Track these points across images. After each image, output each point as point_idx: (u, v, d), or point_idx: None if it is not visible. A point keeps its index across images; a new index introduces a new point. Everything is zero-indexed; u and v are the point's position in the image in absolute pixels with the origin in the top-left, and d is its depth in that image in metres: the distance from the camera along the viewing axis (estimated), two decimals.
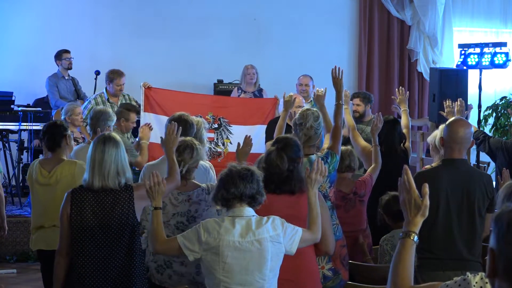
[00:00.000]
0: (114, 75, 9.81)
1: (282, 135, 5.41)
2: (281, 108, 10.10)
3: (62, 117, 8.31)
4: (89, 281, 4.84)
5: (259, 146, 9.65)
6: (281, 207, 4.87)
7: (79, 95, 11.06)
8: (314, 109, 6.32)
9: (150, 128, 8.42)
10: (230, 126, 9.78)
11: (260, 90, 11.09)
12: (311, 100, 10.25)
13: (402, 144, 7.69)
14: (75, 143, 7.15)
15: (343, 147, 6.88)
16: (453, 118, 5.55)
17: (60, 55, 11.17)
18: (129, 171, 4.99)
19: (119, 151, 4.90)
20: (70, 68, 11.20)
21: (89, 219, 4.81)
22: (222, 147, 9.65)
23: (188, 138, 5.51)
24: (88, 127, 8.01)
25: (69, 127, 7.80)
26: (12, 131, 10.51)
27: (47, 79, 11.12)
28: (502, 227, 2.07)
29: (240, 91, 11.00)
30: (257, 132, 9.75)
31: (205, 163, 6.04)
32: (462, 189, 5.30)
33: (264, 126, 9.82)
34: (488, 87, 13.64)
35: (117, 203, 4.83)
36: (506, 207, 2.10)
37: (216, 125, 9.85)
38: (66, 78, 11.19)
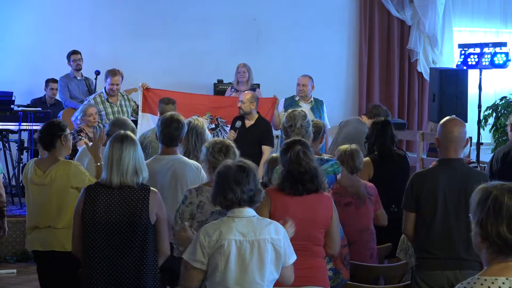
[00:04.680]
0: (109, 73, 9.91)
1: (290, 139, 5.31)
2: (280, 108, 10.15)
3: (78, 117, 8.28)
4: (98, 281, 4.82)
5: None
6: (298, 211, 4.90)
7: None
8: (300, 109, 6.30)
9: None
10: (227, 127, 9.79)
11: (253, 89, 11.08)
12: (311, 101, 10.26)
13: (395, 146, 7.64)
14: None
15: (346, 147, 6.85)
16: (446, 118, 5.53)
17: (69, 56, 11.29)
18: (146, 171, 4.99)
19: (136, 149, 4.92)
20: (79, 69, 11.26)
21: (101, 215, 4.81)
22: None
23: (224, 139, 5.57)
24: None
25: (84, 127, 7.85)
26: (12, 131, 10.51)
27: (59, 80, 11.28)
28: None
29: (232, 90, 11.01)
30: None
31: (196, 162, 6.05)
32: (459, 188, 5.28)
33: None
34: (488, 87, 13.64)
35: (131, 200, 4.83)
36: None
37: (213, 125, 9.87)
38: (79, 78, 11.26)
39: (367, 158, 7.36)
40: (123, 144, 4.89)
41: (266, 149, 8.97)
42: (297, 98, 10.22)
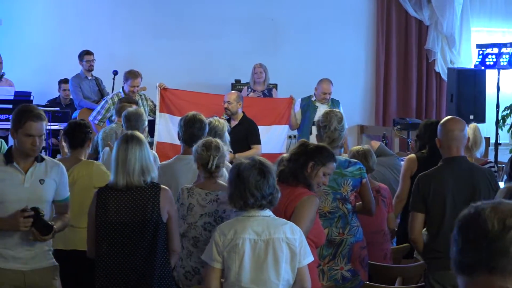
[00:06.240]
0: (129, 75, 9.91)
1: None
2: (297, 108, 10.14)
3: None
4: (110, 279, 4.85)
5: (275, 146, 9.66)
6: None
7: (102, 95, 11.10)
8: (337, 110, 6.21)
9: None
10: None
11: (270, 89, 11.06)
12: (328, 102, 10.22)
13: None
14: None
15: (358, 147, 6.84)
16: (446, 118, 5.59)
17: (82, 56, 11.28)
18: (155, 170, 4.98)
19: (142, 149, 4.89)
20: (91, 70, 11.28)
21: (112, 216, 4.82)
22: None
23: (209, 137, 5.56)
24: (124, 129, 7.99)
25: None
26: None
27: (71, 80, 11.24)
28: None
29: (249, 90, 11.00)
30: (273, 132, 9.75)
31: None
32: (466, 185, 5.32)
33: (280, 126, 9.82)
34: (506, 87, 13.56)
35: (141, 199, 4.83)
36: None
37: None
38: (89, 78, 11.29)
39: (412, 155, 7.33)
40: (128, 145, 4.88)
41: (256, 147, 8.90)
42: (313, 99, 10.21)
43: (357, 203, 5.87)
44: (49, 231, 4.83)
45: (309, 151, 5.10)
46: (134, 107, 8.16)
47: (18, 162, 4.85)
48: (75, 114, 10.77)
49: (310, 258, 4.36)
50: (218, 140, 5.45)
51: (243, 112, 9.10)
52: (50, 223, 4.87)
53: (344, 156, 6.21)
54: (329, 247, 5.66)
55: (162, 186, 4.97)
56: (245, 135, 8.77)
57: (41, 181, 4.91)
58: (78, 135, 6.13)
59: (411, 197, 5.49)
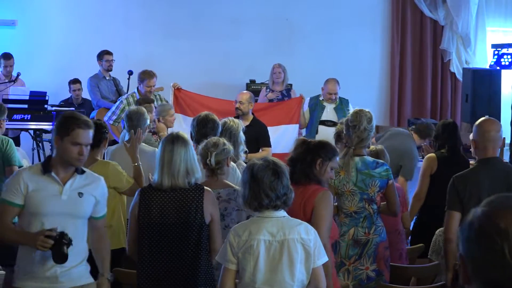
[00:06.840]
0: (145, 76, 9.93)
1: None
2: (305, 107, 10.14)
3: (155, 117, 8.26)
4: (153, 281, 4.84)
5: (287, 145, 9.64)
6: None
7: (120, 95, 11.15)
8: (367, 110, 6.16)
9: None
10: None
11: (288, 90, 11.04)
12: (336, 101, 10.18)
13: (461, 150, 7.58)
14: None
15: (371, 147, 6.83)
16: (481, 119, 5.54)
17: (101, 56, 11.35)
18: (199, 171, 4.97)
19: (188, 150, 4.89)
20: (110, 70, 11.36)
21: (156, 217, 4.81)
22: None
23: (218, 138, 5.55)
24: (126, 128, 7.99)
25: (159, 128, 7.89)
26: (45, 131, 10.59)
27: (88, 80, 11.30)
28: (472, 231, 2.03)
29: (268, 90, 11.00)
30: (283, 132, 9.74)
31: (231, 162, 6.06)
32: (502, 185, 5.28)
33: (290, 126, 9.81)
34: None
35: (185, 201, 4.83)
36: (475, 212, 2.07)
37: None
38: (107, 78, 11.35)
39: (432, 154, 7.33)
40: (174, 146, 4.87)
41: (266, 150, 8.83)
42: (321, 98, 10.20)
43: (381, 203, 5.87)
44: (62, 262, 4.46)
45: (312, 148, 5.11)
46: (151, 105, 8.20)
47: (57, 173, 4.58)
48: (93, 114, 10.83)
49: (324, 258, 4.36)
50: (222, 139, 5.45)
51: (253, 114, 9.07)
52: (67, 253, 4.43)
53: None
54: (355, 247, 5.71)
55: (206, 188, 4.95)
56: (255, 137, 8.74)
57: (80, 194, 4.63)
58: (94, 135, 6.15)
59: (447, 197, 5.44)
